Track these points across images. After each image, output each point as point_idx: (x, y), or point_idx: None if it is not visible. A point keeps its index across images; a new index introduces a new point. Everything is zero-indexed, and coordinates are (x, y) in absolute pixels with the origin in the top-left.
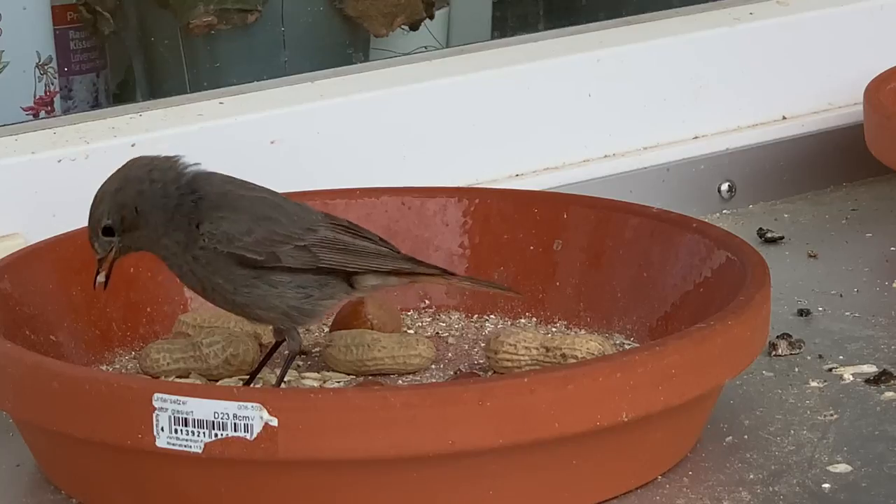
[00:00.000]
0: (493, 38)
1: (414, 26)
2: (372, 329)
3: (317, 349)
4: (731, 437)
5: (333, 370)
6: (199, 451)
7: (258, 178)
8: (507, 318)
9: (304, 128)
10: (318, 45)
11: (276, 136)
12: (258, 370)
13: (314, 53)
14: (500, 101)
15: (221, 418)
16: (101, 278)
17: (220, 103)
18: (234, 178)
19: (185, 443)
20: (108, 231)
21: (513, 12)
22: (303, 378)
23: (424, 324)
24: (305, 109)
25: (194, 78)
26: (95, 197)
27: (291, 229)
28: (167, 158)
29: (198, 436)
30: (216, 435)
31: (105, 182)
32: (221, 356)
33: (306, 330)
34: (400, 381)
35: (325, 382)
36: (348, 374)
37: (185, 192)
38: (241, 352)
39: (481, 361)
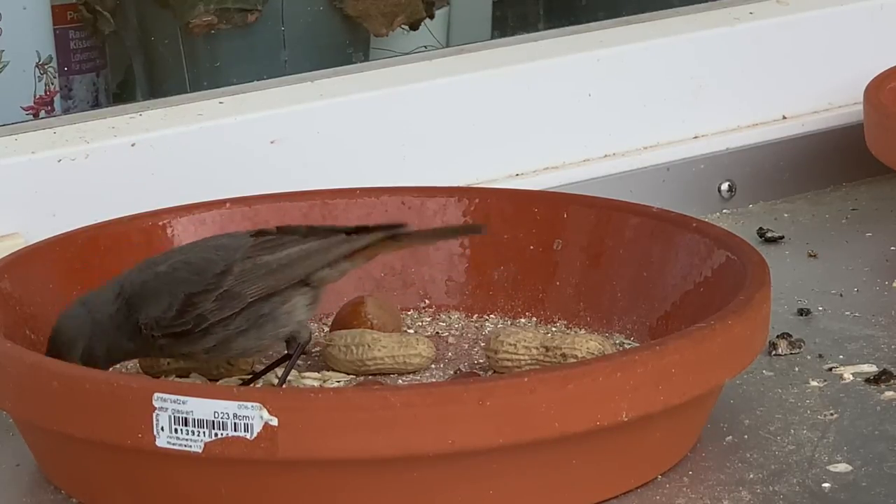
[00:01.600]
0: (493, 37)
1: (414, 26)
2: (372, 329)
3: (317, 349)
4: (731, 437)
5: (333, 370)
6: (199, 450)
7: (258, 179)
8: (506, 318)
9: (304, 127)
10: (318, 44)
11: (276, 135)
12: (264, 372)
13: (314, 53)
14: (500, 101)
15: (221, 418)
16: None
17: (220, 103)
18: (156, 256)
19: (185, 442)
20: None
21: (513, 12)
22: (303, 378)
23: (424, 323)
24: (305, 109)
25: (194, 77)
26: (55, 335)
27: (205, 283)
28: (92, 293)
29: (198, 435)
30: (216, 434)
31: (52, 342)
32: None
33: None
34: (400, 381)
35: (325, 382)
36: (348, 374)
37: (119, 303)
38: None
39: (481, 361)
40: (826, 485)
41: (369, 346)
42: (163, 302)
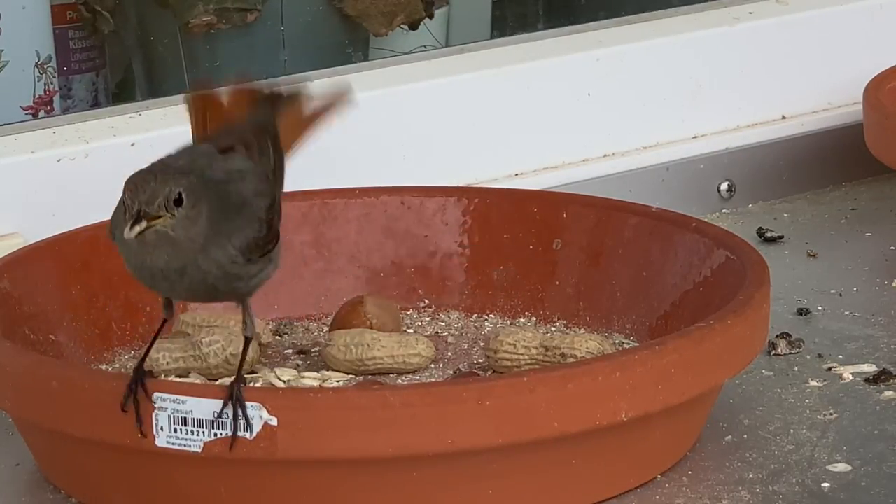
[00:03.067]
0: (492, 37)
1: (413, 26)
2: (371, 328)
3: (316, 349)
4: (730, 437)
5: (333, 370)
6: (199, 450)
7: None
8: (506, 318)
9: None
10: (317, 44)
11: None
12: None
13: (314, 52)
14: (499, 101)
15: (221, 417)
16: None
17: None
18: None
19: (184, 442)
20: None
21: (512, 12)
22: (302, 377)
23: (424, 323)
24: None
25: (194, 77)
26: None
27: (263, 207)
28: None
29: (197, 435)
30: (216, 434)
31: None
32: (221, 355)
33: (306, 329)
34: (399, 381)
35: (324, 382)
36: (348, 374)
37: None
38: (239, 349)
39: (481, 361)
40: (825, 484)
41: (369, 345)
42: (253, 224)
